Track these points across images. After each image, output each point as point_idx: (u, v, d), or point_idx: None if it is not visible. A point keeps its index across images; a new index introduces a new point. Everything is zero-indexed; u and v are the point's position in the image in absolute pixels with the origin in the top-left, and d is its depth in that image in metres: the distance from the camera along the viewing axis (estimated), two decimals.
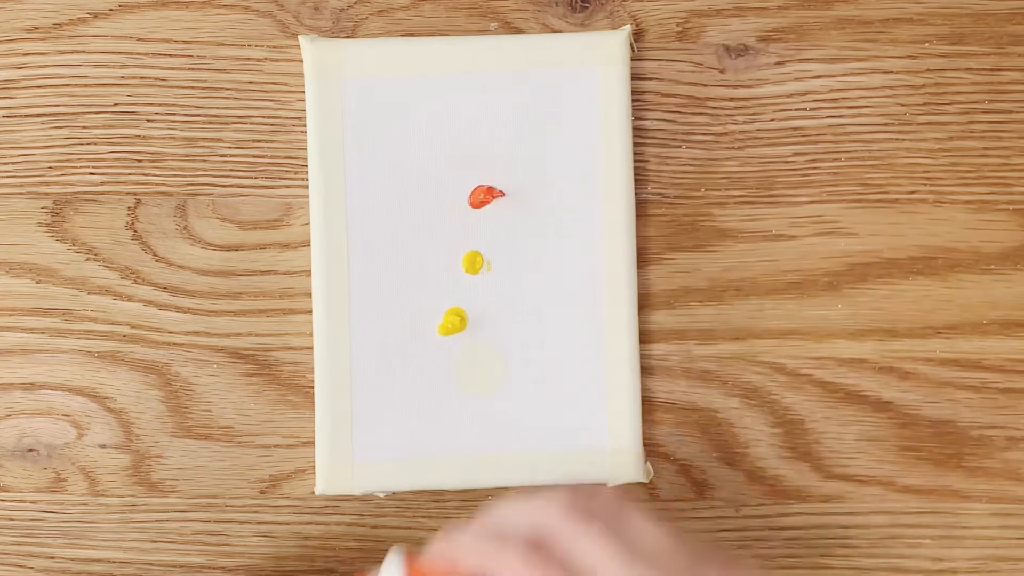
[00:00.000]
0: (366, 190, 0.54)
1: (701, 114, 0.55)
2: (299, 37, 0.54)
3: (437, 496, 0.55)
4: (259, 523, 0.55)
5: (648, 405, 0.55)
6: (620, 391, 0.54)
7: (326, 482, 0.53)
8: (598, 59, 0.54)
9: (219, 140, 0.55)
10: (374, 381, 0.54)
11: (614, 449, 0.54)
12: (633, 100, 0.55)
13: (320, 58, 0.54)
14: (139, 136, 0.55)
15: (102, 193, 0.55)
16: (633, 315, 0.54)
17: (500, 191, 0.54)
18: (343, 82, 0.54)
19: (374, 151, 0.54)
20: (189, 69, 0.55)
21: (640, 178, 0.55)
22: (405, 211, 0.54)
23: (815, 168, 0.55)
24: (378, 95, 0.54)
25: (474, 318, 0.54)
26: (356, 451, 0.53)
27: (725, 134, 0.55)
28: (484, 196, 0.54)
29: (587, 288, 0.54)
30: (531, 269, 0.54)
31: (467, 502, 0.55)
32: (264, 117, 0.55)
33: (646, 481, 0.54)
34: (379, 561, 0.55)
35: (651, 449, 0.55)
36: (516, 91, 0.54)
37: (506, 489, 0.54)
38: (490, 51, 0.54)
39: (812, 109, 0.55)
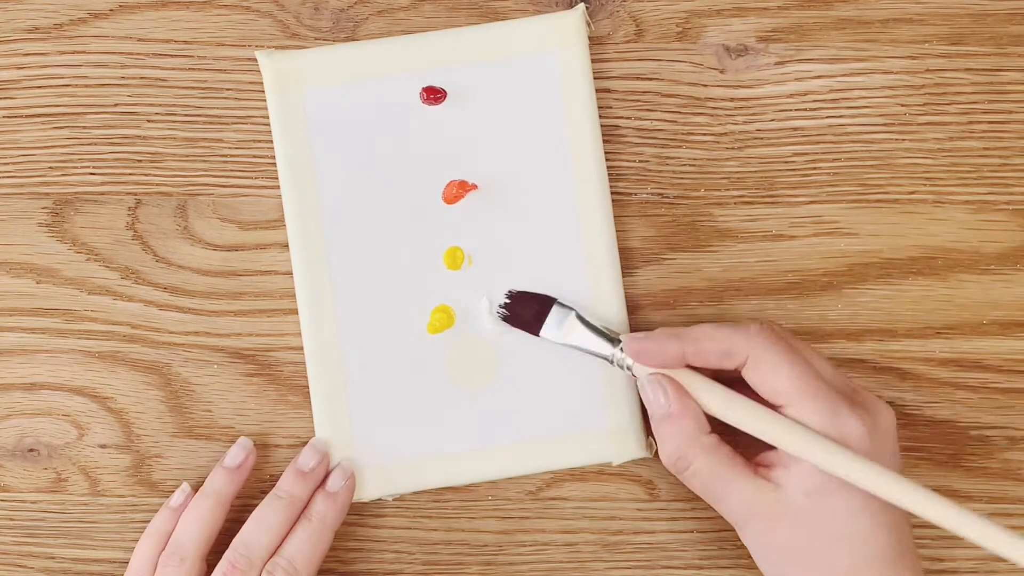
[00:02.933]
0: (340, 198, 0.54)
1: (701, 114, 0.55)
2: (256, 52, 0.54)
3: (437, 496, 0.55)
4: None
5: None
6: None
7: None
8: (556, 42, 0.54)
9: (219, 140, 0.55)
10: (369, 388, 0.54)
11: (613, 428, 0.54)
12: (633, 100, 0.55)
13: (279, 72, 0.54)
14: (139, 136, 0.55)
15: (102, 193, 0.55)
16: (617, 287, 0.54)
17: (473, 184, 0.54)
18: (304, 92, 0.54)
19: (343, 158, 0.54)
20: (189, 69, 0.55)
21: (640, 178, 0.55)
22: (381, 214, 0.54)
23: (815, 168, 0.55)
24: (341, 101, 0.54)
25: (461, 313, 0.54)
26: (358, 459, 0.53)
27: (725, 134, 0.55)
28: (457, 191, 0.53)
29: (569, 270, 0.54)
30: (512, 259, 0.54)
31: (467, 502, 0.55)
32: (264, 117, 0.55)
33: (649, 456, 0.54)
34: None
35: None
36: (478, 83, 0.54)
37: (511, 480, 0.54)
38: (447, 46, 0.54)
39: (812, 109, 0.55)
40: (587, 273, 0.54)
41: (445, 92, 0.53)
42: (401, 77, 0.54)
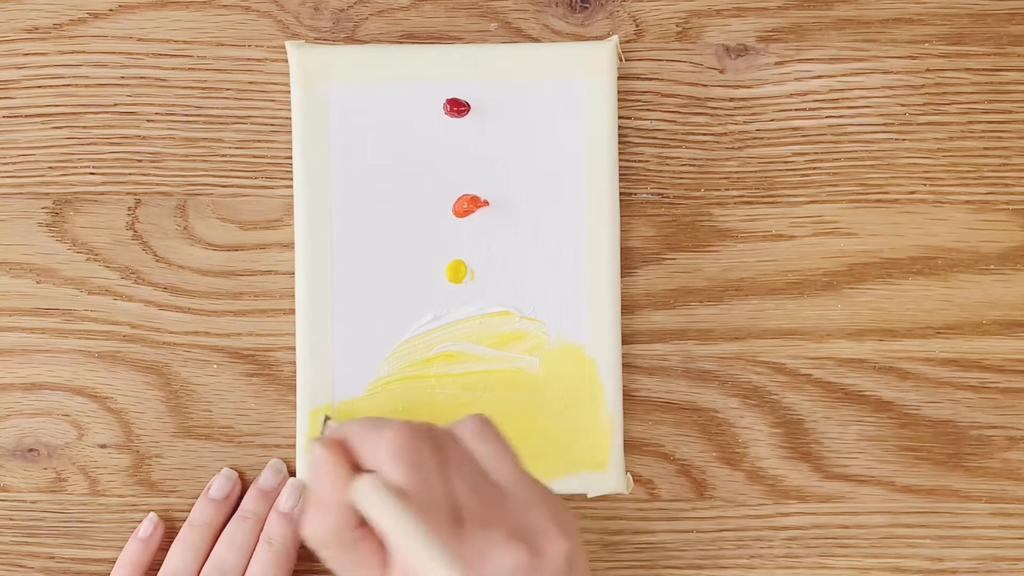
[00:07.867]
0: (351, 197, 0.54)
1: (701, 114, 0.55)
2: (286, 43, 0.54)
3: None
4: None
5: (648, 405, 0.55)
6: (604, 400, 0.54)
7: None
8: (585, 70, 0.54)
9: (219, 140, 0.55)
10: (355, 389, 0.53)
11: (591, 461, 0.53)
12: (633, 100, 0.55)
13: (306, 64, 0.53)
14: (139, 136, 0.55)
15: (102, 193, 0.55)
16: (616, 326, 0.54)
17: (485, 200, 0.53)
18: (329, 89, 0.54)
19: (359, 158, 0.54)
20: (189, 69, 0.55)
21: (640, 178, 0.55)
22: (390, 219, 0.54)
23: (815, 168, 0.55)
24: (364, 102, 0.54)
25: None
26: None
27: (725, 134, 0.55)
28: (468, 205, 0.53)
29: (570, 298, 0.54)
30: (514, 279, 0.54)
31: None
32: (264, 117, 0.55)
33: (627, 492, 0.54)
34: None
35: (651, 449, 0.55)
36: (502, 101, 0.54)
37: None
38: (476, 61, 0.54)
39: (812, 109, 0.55)
40: (587, 301, 0.54)
41: (469, 106, 0.53)
42: (427, 86, 0.54)
